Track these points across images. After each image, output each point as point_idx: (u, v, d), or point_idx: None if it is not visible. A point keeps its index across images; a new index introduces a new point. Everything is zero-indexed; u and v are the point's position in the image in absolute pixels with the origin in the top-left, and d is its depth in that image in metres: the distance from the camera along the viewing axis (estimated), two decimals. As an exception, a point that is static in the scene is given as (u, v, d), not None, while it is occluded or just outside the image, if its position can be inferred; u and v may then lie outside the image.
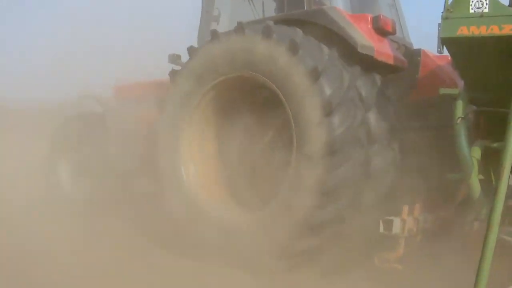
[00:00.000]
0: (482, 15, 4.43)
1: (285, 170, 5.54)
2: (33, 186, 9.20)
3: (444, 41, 4.75)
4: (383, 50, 5.76)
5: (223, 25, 7.00)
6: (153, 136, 6.58)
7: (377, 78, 5.84)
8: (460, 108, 4.90)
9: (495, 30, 4.39)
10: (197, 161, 6.34)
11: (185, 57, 6.72)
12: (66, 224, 7.76)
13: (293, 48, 5.40)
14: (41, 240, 6.62)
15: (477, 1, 4.46)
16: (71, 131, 8.92)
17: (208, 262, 5.64)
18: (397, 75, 6.19)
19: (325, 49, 5.57)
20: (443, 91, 5.07)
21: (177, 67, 6.88)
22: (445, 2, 4.60)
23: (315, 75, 5.27)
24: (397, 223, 4.88)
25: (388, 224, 4.91)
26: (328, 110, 5.18)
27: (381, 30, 5.87)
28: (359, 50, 5.50)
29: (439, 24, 4.70)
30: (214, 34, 6.10)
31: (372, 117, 5.54)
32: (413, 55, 6.60)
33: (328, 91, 5.26)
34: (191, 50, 6.35)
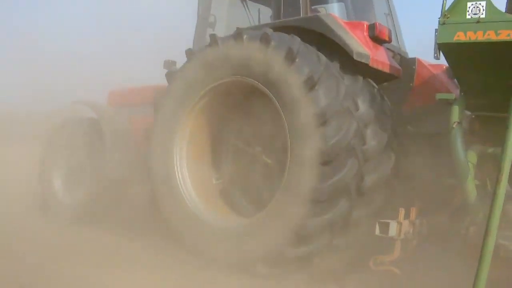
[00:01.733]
0: (479, 20, 4.47)
1: (279, 177, 5.54)
2: (28, 192, 9.17)
3: (441, 47, 4.79)
4: (379, 58, 5.79)
5: (219, 32, 7.02)
6: (147, 141, 6.56)
7: (373, 86, 5.87)
8: (456, 113, 4.95)
9: (491, 35, 4.43)
10: (192, 166, 6.32)
11: (180, 63, 6.72)
12: (58, 231, 7.72)
13: (290, 57, 5.39)
14: (31, 247, 6.56)
15: (474, 7, 4.50)
16: (65, 138, 8.89)
17: (203, 268, 5.60)
18: (392, 83, 6.23)
19: (322, 57, 5.55)
20: (439, 96, 5.12)
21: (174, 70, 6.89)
22: (442, 7, 4.65)
23: (311, 84, 5.26)
24: (393, 226, 4.87)
25: (384, 227, 4.90)
26: (323, 120, 5.17)
27: (377, 38, 5.91)
28: (355, 57, 5.51)
29: (436, 29, 4.75)
30: (213, 39, 6.11)
31: (368, 127, 5.55)
32: (408, 64, 6.65)
33: (323, 101, 5.24)
34: (189, 53, 6.36)
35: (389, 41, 6.07)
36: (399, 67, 6.12)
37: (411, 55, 7.11)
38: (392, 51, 6.54)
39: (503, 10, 4.66)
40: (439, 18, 4.67)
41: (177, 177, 6.21)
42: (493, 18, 4.44)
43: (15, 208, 9.25)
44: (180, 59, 6.62)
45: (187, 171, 6.27)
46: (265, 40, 5.58)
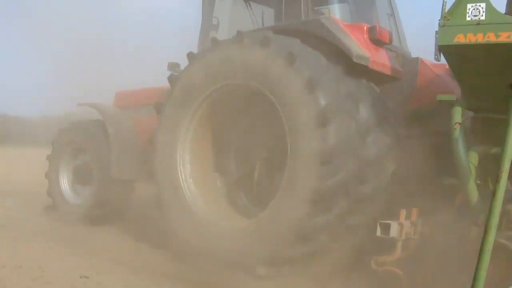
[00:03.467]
0: (478, 22, 4.49)
1: (279, 178, 5.58)
2: (38, 193, 9.28)
3: (441, 49, 4.81)
4: (379, 60, 5.82)
5: (223, 34, 7.08)
6: (152, 143, 6.61)
7: (373, 88, 5.89)
8: (457, 114, 4.96)
9: (491, 37, 4.44)
10: (195, 167, 6.38)
11: (184, 66, 6.76)
12: (65, 231, 7.80)
13: (290, 59, 5.44)
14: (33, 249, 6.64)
15: (474, 9, 4.52)
16: (72, 139, 8.98)
17: (205, 267, 5.65)
18: (395, 84, 6.25)
19: (322, 59, 5.61)
20: (440, 97, 5.14)
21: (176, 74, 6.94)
22: (442, 9, 4.66)
23: (310, 85, 5.29)
24: (394, 226, 4.89)
25: (386, 228, 4.93)
26: (323, 121, 5.20)
27: (377, 40, 5.94)
28: (354, 60, 5.54)
29: (436, 31, 4.77)
30: (214, 42, 6.15)
31: (368, 129, 5.58)
32: (410, 64, 6.65)
33: (323, 102, 5.28)
34: (190, 56, 6.40)
35: (389, 43, 6.09)
36: (400, 69, 6.13)
37: (415, 52, 7.13)
38: (394, 51, 6.55)
39: (503, 12, 4.66)
40: (439, 20, 4.69)
41: (180, 178, 6.28)
42: (493, 20, 4.45)
43: (25, 208, 9.42)
44: (184, 61, 6.67)
45: (190, 172, 6.33)
46: (265, 43, 5.63)
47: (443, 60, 5.03)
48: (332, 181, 5.18)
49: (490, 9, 4.48)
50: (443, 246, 4.90)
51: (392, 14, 7.25)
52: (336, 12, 6.61)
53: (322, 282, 5.15)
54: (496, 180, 3.99)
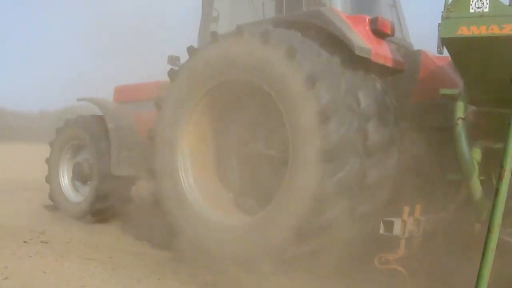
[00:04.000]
0: (482, 15, 4.43)
1: (281, 175, 5.52)
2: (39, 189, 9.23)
3: (444, 41, 4.74)
4: (381, 52, 5.72)
5: (223, 26, 7.00)
6: (151, 137, 6.56)
7: (376, 80, 5.80)
8: (460, 109, 4.90)
9: (495, 30, 4.39)
10: (195, 163, 6.32)
11: (184, 59, 6.70)
12: (65, 230, 7.78)
13: (291, 53, 5.34)
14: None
15: (477, 1, 4.45)
16: (71, 135, 8.94)
17: (206, 265, 5.60)
18: (397, 76, 6.16)
19: (323, 53, 5.51)
20: (443, 91, 5.07)
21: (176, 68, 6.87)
22: (445, 1, 4.59)
23: (311, 81, 5.20)
24: (397, 224, 4.82)
25: (389, 225, 4.85)
26: (324, 117, 5.12)
27: (379, 31, 5.84)
28: (356, 52, 5.44)
29: (439, 24, 4.69)
30: (214, 36, 6.08)
31: (370, 122, 5.50)
32: (413, 56, 6.55)
33: (324, 97, 5.18)
34: (190, 50, 6.33)
35: (392, 34, 5.98)
36: (402, 61, 6.03)
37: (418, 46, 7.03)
38: (396, 43, 6.46)
39: (507, 3, 4.57)
40: (442, 12, 4.61)
41: (180, 173, 6.22)
42: (496, 12, 4.40)
43: (27, 206, 9.40)
44: (184, 55, 6.60)
45: (190, 169, 6.27)
46: (265, 37, 5.53)
47: (445, 52, 4.95)
48: (335, 179, 5.10)
49: (493, 1, 4.42)
50: (447, 243, 4.84)
51: (394, 5, 7.16)
52: (337, 3, 6.51)
53: (325, 280, 5.10)
54: (499, 178, 3.92)
